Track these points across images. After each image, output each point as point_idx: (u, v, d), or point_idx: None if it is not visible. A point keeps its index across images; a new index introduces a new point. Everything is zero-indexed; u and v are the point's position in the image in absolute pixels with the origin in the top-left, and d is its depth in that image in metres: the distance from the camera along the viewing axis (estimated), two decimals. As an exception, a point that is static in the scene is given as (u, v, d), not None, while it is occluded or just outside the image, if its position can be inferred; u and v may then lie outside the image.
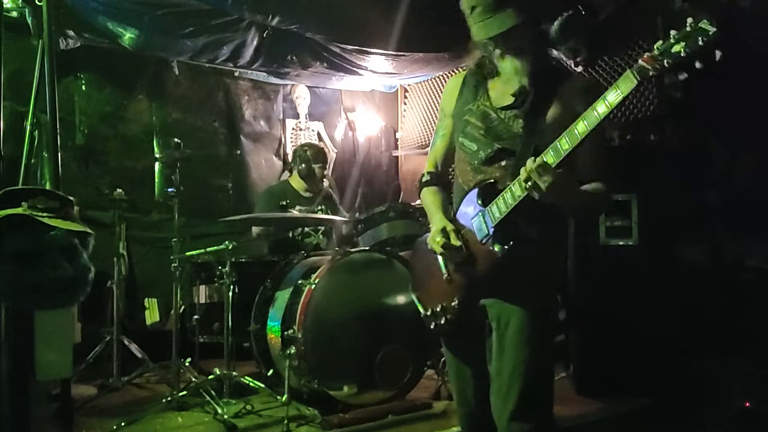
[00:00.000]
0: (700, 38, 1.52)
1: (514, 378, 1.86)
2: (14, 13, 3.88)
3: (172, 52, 4.76)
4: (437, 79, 5.92)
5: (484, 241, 1.88)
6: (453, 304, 1.96)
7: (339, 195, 5.34)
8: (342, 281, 3.35)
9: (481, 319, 1.98)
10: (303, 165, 4.52)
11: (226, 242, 3.42)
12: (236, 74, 5.49)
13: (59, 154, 2.94)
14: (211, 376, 3.36)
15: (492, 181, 1.92)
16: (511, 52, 1.90)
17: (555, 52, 4.20)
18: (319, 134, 6.02)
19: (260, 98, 5.78)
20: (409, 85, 6.29)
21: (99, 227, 3.45)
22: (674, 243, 3.81)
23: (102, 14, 4.13)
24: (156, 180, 5.11)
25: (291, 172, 4.75)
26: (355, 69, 5.28)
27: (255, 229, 4.43)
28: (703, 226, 3.98)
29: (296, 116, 5.90)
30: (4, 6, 3.19)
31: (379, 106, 6.51)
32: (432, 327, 2.04)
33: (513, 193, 1.81)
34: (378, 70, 5.38)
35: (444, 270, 2.00)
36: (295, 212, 3.80)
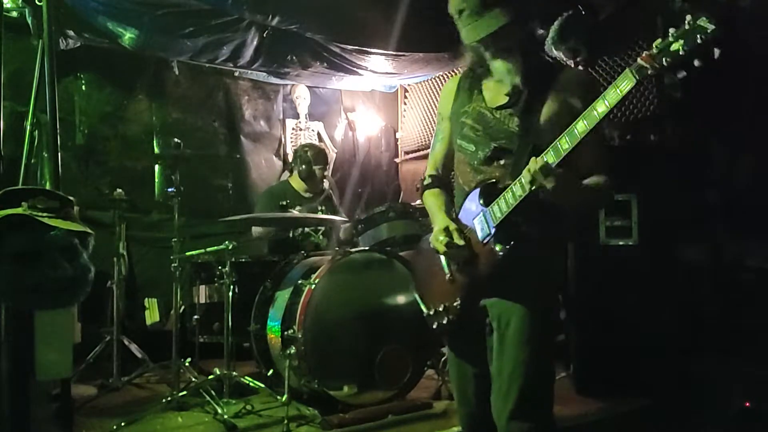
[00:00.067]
0: (698, 36, 1.52)
1: (514, 378, 1.86)
2: (14, 13, 3.89)
3: (172, 52, 4.77)
4: (437, 79, 5.93)
5: (485, 241, 1.89)
6: (455, 304, 1.97)
7: (339, 195, 5.34)
8: (342, 281, 3.35)
9: (482, 319, 1.98)
10: (303, 166, 4.52)
11: (226, 242, 3.42)
12: (236, 74, 5.50)
13: (59, 154, 2.93)
14: (211, 376, 3.36)
15: (493, 180, 1.93)
16: (501, 52, 1.91)
17: (555, 52, 4.21)
18: (319, 134, 6.02)
19: (260, 98, 5.78)
20: (409, 85, 6.29)
21: (99, 227, 3.45)
22: (674, 243, 3.81)
23: (102, 14, 4.13)
24: (156, 180, 5.12)
25: (291, 172, 4.75)
26: (355, 69, 5.28)
27: (255, 229, 4.43)
28: (703, 226, 3.98)
29: (296, 116, 5.90)
30: (4, 6, 3.19)
31: (379, 106, 6.51)
32: (434, 327, 2.04)
33: (514, 192, 1.82)
34: (378, 70, 5.38)
35: (446, 270, 2.01)
36: (295, 212, 3.80)
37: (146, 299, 4.85)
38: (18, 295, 2.42)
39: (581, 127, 1.70)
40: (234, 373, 3.35)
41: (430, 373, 3.65)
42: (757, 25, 3.58)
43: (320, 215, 3.87)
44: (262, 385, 3.33)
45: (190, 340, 3.82)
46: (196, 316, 3.70)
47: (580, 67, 4.31)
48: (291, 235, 4.11)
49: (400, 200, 6.07)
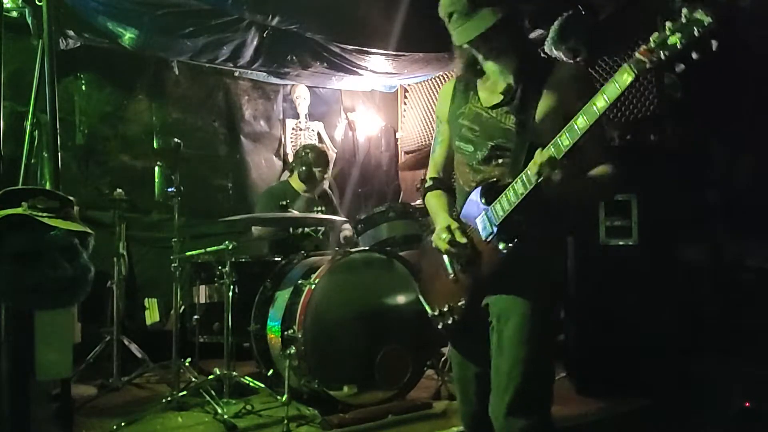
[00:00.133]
0: (695, 29, 1.51)
1: (512, 376, 1.86)
2: (14, 13, 3.89)
3: (172, 52, 4.77)
4: (437, 79, 5.92)
5: (488, 240, 1.89)
6: (459, 303, 1.98)
7: (339, 195, 5.34)
8: (342, 281, 3.35)
9: (486, 318, 1.98)
10: (304, 167, 4.51)
11: (226, 242, 3.42)
12: (236, 74, 5.50)
13: (59, 154, 2.93)
14: (211, 376, 3.36)
15: (494, 179, 1.93)
16: (492, 52, 1.92)
17: (555, 52, 4.21)
18: (319, 134, 6.01)
19: (260, 98, 5.78)
20: (409, 85, 6.29)
21: (99, 227, 3.45)
22: (674, 243, 3.81)
23: (102, 14, 4.13)
24: (156, 180, 5.12)
25: (291, 172, 4.75)
26: (355, 69, 5.28)
27: (255, 229, 4.43)
28: (703, 226, 3.98)
29: (296, 116, 5.90)
30: (4, 6, 3.19)
31: (379, 106, 6.51)
32: (439, 327, 2.05)
33: (516, 190, 1.82)
34: (378, 70, 5.38)
35: (450, 270, 2.01)
36: (295, 212, 3.80)
37: (146, 299, 4.85)
38: (18, 295, 2.42)
39: (581, 122, 1.69)
40: (234, 373, 3.35)
41: (430, 373, 3.65)
42: (757, 25, 3.58)
43: (320, 215, 3.86)
44: (262, 385, 3.33)
45: (190, 340, 3.82)
46: (196, 316, 3.70)
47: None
48: (291, 234, 4.11)
49: (400, 200, 6.06)
